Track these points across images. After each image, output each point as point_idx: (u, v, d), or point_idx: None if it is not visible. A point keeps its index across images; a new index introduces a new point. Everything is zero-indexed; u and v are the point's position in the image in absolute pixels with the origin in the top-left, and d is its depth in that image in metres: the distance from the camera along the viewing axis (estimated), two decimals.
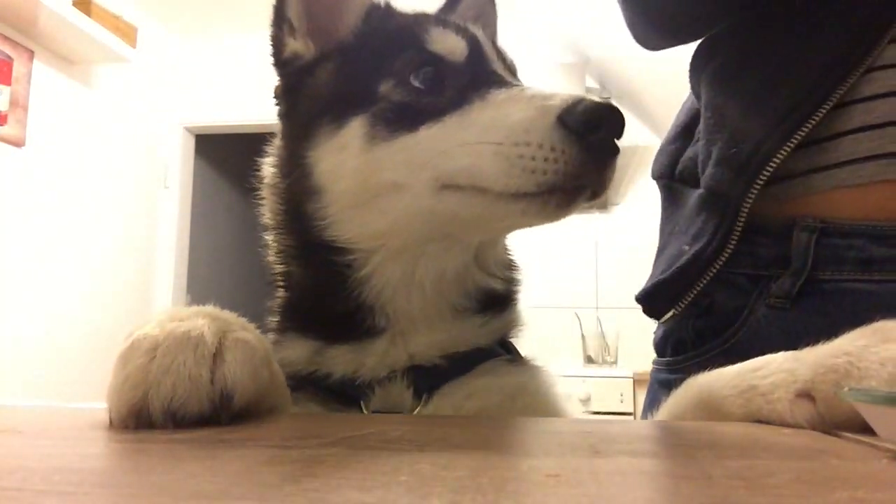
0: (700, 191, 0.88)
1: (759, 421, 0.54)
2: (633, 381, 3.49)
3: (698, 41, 0.94)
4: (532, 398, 0.69)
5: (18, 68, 3.34)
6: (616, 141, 0.61)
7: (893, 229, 0.76)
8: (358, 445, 0.39)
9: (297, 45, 0.74)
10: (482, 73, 0.68)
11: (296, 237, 0.71)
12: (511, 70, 0.74)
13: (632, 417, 3.28)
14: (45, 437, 0.45)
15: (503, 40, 0.83)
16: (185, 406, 0.44)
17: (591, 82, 4.02)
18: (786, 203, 0.81)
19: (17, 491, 0.28)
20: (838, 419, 0.48)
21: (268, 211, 0.75)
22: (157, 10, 4.27)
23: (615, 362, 4.00)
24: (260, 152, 0.77)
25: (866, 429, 0.41)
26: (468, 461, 0.34)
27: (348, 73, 0.71)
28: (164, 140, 4.47)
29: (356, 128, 0.66)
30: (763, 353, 0.56)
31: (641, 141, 4.10)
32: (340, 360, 0.67)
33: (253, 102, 4.39)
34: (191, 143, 4.67)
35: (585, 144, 0.59)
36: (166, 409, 0.44)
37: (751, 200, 0.81)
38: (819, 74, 0.78)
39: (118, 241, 4.06)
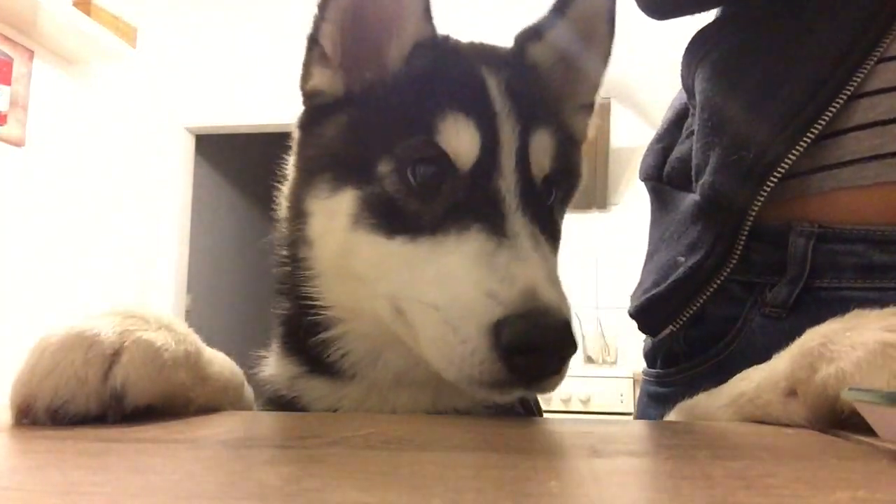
0: (695, 197, 0.83)
1: (758, 421, 0.54)
2: (633, 381, 3.49)
3: (702, 14, 0.87)
4: None
5: (18, 68, 3.34)
6: (558, 361, 0.53)
7: (895, 234, 0.72)
8: (358, 445, 0.39)
9: (322, 78, 0.66)
10: (481, 192, 0.59)
11: (292, 273, 0.69)
12: (531, 184, 0.62)
13: (632, 417, 3.28)
14: (44, 437, 0.45)
15: (502, 43, 0.73)
16: (68, 405, 0.45)
17: None
18: (782, 204, 0.76)
19: (17, 491, 0.28)
20: (823, 407, 0.48)
21: (280, 219, 0.72)
22: (157, 10, 4.27)
23: (615, 362, 3.99)
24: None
25: (867, 429, 0.41)
26: (468, 461, 0.34)
27: (357, 135, 0.64)
28: (164, 140, 4.47)
29: (347, 202, 0.61)
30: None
31: (641, 141, 4.11)
32: (318, 394, 0.66)
33: (253, 102, 4.40)
34: (191, 143, 4.67)
35: (511, 363, 0.50)
36: (48, 408, 0.45)
37: (756, 209, 0.76)
38: (828, 66, 0.73)
39: (118, 241, 4.06)
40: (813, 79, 0.74)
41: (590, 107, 0.77)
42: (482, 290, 0.52)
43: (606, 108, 4.11)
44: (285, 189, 0.72)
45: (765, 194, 0.75)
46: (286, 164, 0.73)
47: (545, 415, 0.79)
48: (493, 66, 0.64)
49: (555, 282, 0.54)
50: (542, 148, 0.63)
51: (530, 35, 0.71)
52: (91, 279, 3.79)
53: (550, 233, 0.62)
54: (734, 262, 0.79)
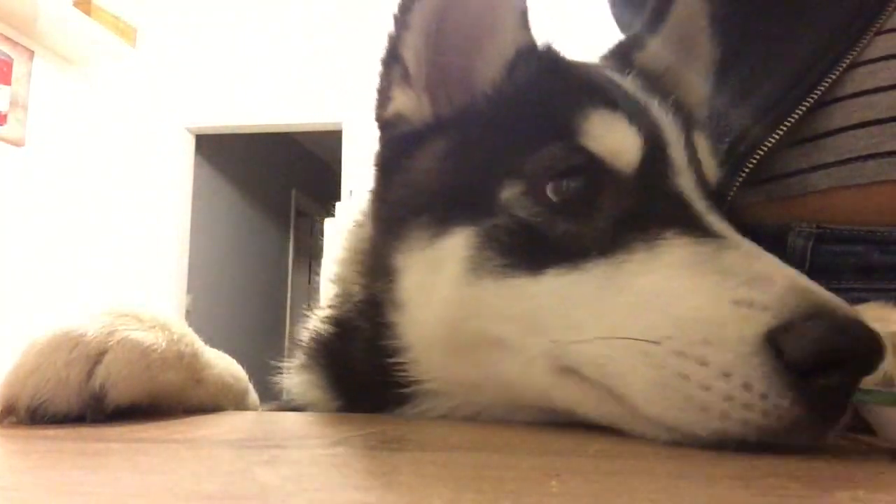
0: None
1: None
2: None
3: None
4: None
5: (18, 68, 3.34)
6: (858, 380, 0.38)
7: (894, 234, 0.72)
8: (358, 445, 0.39)
9: (406, 101, 0.56)
10: (660, 196, 0.47)
11: (368, 329, 0.56)
12: (710, 184, 0.52)
13: None
14: (45, 437, 0.45)
15: None
16: (47, 404, 0.45)
17: None
18: (780, 204, 0.76)
19: (17, 491, 0.28)
20: None
21: (351, 280, 0.60)
22: (157, 10, 4.27)
23: None
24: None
25: (866, 429, 0.41)
26: (468, 461, 0.34)
27: (464, 160, 0.53)
28: (164, 140, 4.47)
29: (459, 245, 0.49)
30: None
31: None
32: None
33: (253, 102, 4.40)
34: (191, 143, 4.67)
35: (808, 390, 0.36)
36: (28, 407, 0.45)
37: (732, 192, 0.73)
38: (805, 64, 0.72)
39: (118, 241, 4.06)
40: (792, 74, 0.73)
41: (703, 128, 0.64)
42: (727, 299, 0.38)
43: None
44: (354, 247, 0.61)
45: (742, 177, 0.73)
46: (331, 219, 0.64)
47: None
48: (612, 70, 0.55)
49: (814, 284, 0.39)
50: (707, 147, 0.53)
51: (631, 44, 0.63)
52: (91, 279, 3.79)
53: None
54: None
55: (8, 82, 3.27)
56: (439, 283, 0.49)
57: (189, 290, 4.62)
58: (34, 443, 0.40)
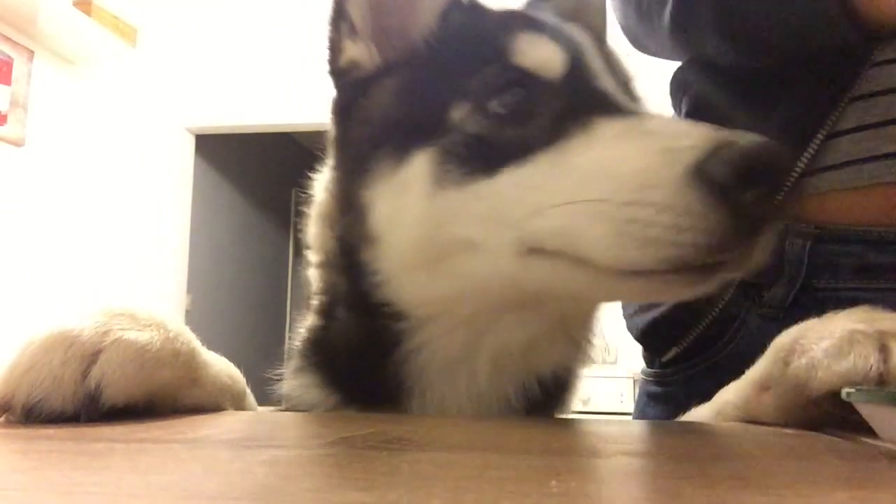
0: None
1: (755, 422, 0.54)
2: (633, 382, 3.49)
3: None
4: None
5: (18, 68, 3.34)
6: (779, 190, 0.44)
7: (892, 235, 0.73)
8: (358, 445, 0.39)
9: (357, 50, 0.62)
10: (586, 94, 0.53)
11: (346, 283, 0.60)
12: (626, 86, 0.59)
13: (631, 417, 3.27)
14: (45, 437, 0.45)
15: None
16: (42, 403, 0.45)
17: None
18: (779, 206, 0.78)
19: (17, 491, 0.28)
20: (794, 399, 0.49)
21: (316, 238, 0.65)
22: (157, 10, 4.27)
23: (615, 362, 3.99)
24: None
25: (867, 429, 0.41)
26: (468, 461, 0.34)
27: (414, 92, 0.58)
28: (164, 140, 4.47)
29: (421, 164, 0.53)
30: None
31: None
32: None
33: (253, 102, 4.40)
34: (191, 143, 4.67)
35: (734, 205, 0.41)
36: (23, 405, 0.45)
37: None
38: (802, 109, 0.76)
39: (118, 241, 4.06)
40: (790, 123, 0.76)
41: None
42: (655, 151, 0.44)
43: None
44: (320, 200, 0.65)
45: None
46: (316, 180, 0.67)
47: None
48: (531, 8, 0.63)
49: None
50: (619, 59, 0.61)
51: (533, 5, 0.70)
52: (91, 279, 3.79)
53: None
54: (732, 289, 0.79)
55: (8, 82, 3.27)
56: (408, 203, 0.54)
57: (189, 290, 4.62)
58: (34, 443, 0.40)
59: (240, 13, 4.41)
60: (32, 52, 3.43)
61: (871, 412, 0.40)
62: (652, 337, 0.89)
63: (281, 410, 0.68)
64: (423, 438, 0.42)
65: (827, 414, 0.47)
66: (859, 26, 0.70)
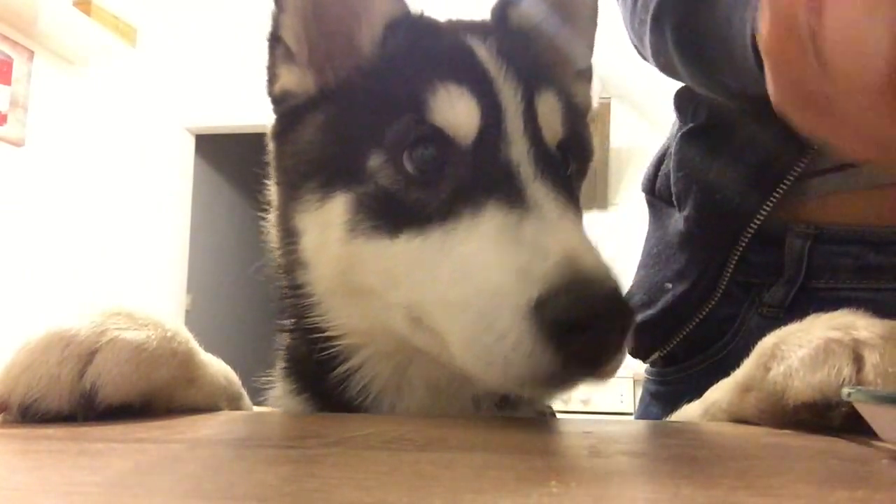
0: (680, 225, 0.85)
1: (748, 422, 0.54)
2: (633, 381, 3.49)
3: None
4: None
5: (18, 68, 3.34)
6: (621, 335, 0.44)
7: (890, 236, 0.74)
8: (358, 445, 0.39)
9: (291, 77, 0.60)
10: (492, 165, 0.52)
11: (291, 300, 0.63)
12: (546, 150, 0.55)
13: (632, 417, 3.28)
14: (45, 437, 0.45)
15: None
16: (39, 402, 0.46)
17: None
18: (779, 208, 0.77)
19: (17, 491, 0.28)
20: (772, 403, 0.49)
21: (273, 243, 0.66)
22: (157, 10, 4.27)
23: None
24: (260, 153, 0.70)
25: (867, 429, 0.41)
26: (468, 461, 0.34)
27: (338, 132, 0.58)
28: (164, 140, 4.47)
29: (339, 208, 0.55)
30: None
31: (641, 141, 4.11)
32: None
33: (253, 103, 4.39)
34: (191, 144, 4.67)
35: (565, 345, 0.42)
36: (20, 405, 0.46)
37: (740, 250, 0.79)
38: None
39: (118, 240, 4.06)
40: (785, 133, 0.75)
41: (587, 73, 0.70)
42: (511, 270, 0.45)
43: (606, 108, 4.11)
44: (271, 212, 0.65)
45: (748, 236, 0.78)
46: (268, 186, 0.66)
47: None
48: (478, 35, 0.58)
49: (592, 248, 0.46)
50: (551, 109, 0.57)
51: (506, 2, 0.65)
52: (91, 279, 3.79)
53: (574, 207, 0.54)
54: (719, 294, 0.81)
55: (8, 82, 3.27)
56: (328, 241, 0.56)
57: (189, 290, 4.62)
58: (34, 443, 0.40)
59: (240, 13, 4.41)
60: (32, 52, 3.43)
61: (871, 412, 0.40)
62: (638, 339, 0.89)
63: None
64: (423, 438, 0.42)
65: (805, 420, 0.48)
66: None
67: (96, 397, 0.47)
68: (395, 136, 0.53)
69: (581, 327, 0.42)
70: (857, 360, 0.45)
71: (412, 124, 0.53)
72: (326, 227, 0.56)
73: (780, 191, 0.76)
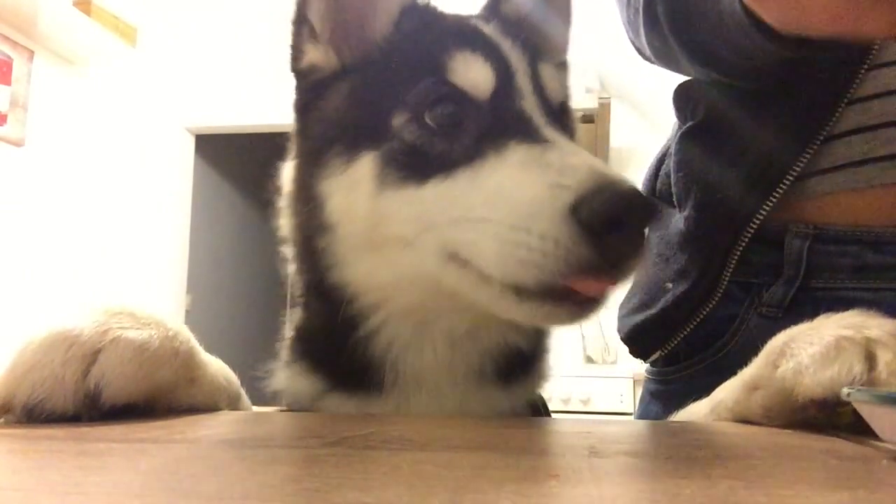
0: (680, 225, 0.86)
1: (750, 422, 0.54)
2: (633, 381, 3.49)
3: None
4: None
5: (18, 68, 3.34)
6: (642, 234, 0.50)
7: (889, 236, 0.74)
8: (358, 445, 0.39)
9: (316, 54, 0.66)
10: (508, 115, 0.58)
11: (308, 269, 0.66)
12: (551, 107, 0.62)
13: (632, 417, 3.27)
14: (45, 437, 0.45)
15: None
16: (45, 403, 0.46)
17: (592, 82, 4.02)
18: (779, 207, 0.78)
19: (17, 491, 0.28)
20: (780, 400, 0.50)
21: (286, 227, 0.70)
22: (157, 10, 4.27)
23: (615, 362, 3.99)
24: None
25: (867, 429, 0.41)
26: (468, 461, 0.34)
27: (364, 97, 0.63)
28: (164, 140, 4.47)
29: (367, 165, 0.59)
30: None
31: (641, 141, 4.11)
32: (340, 411, 0.63)
33: (253, 103, 4.40)
34: (191, 144, 4.67)
35: (600, 244, 0.48)
36: (25, 405, 0.46)
37: (739, 252, 0.79)
38: (799, 119, 0.76)
39: (118, 241, 4.06)
40: (787, 129, 0.77)
41: (565, 66, 0.76)
42: (544, 185, 0.50)
43: (606, 108, 4.11)
44: (286, 192, 0.69)
45: (749, 236, 0.78)
46: (281, 172, 0.71)
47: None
48: (480, 18, 0.67)
49: (609, 167, 0.51)
50: (552, 75, 0.64)
51: (495, 1, 0.72)
52: (91, 279, 3.79)
53: None
54: (719, 294, 0.81)
55: (8, 82, 3.27)
56: (357, 199, 0.59)
57: (189, 290, 4.61)
58: (34, 443, 0.40)
59: (240, 13, 4.41)
60: (32, 52, 3.43)
61: (871, 412, 0.40)
62: (638, 339, 0.91)
63: (281, 410, 0.68)
64: (423, 438, 0.42)
65: (813, 418, 0.48)
66: (766, 29, 0.65)
67: (100, 397, 0.47)
68: (418, 96, 0.58)
69: (612, 223, 0.48)
70: (869, 358, 0.46)
71: (433, 85, 0.59)
72: (354, 186, 0.59)
73: (780, 190, 0.76)
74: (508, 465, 0.34)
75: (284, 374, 0.68)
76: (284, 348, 0.69)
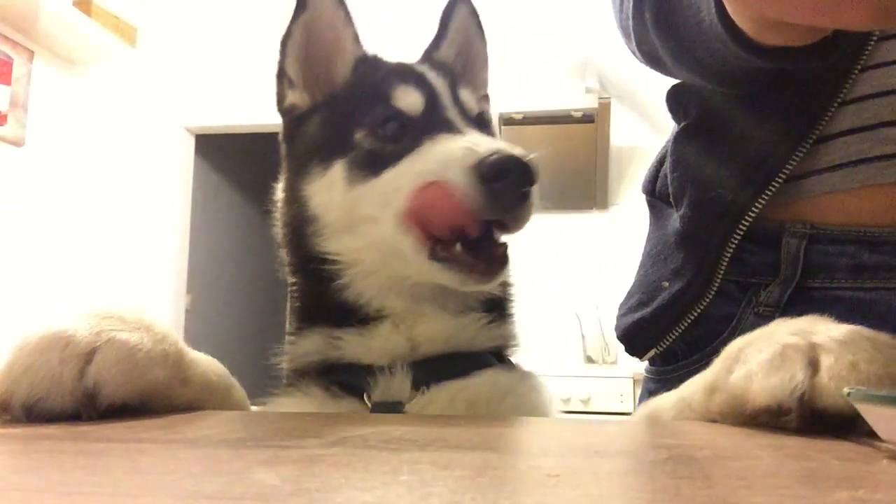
0: (676, 224, 0.87)
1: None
2: (633, 381, 3.49)
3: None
4: (520, 399, 0.73)
5: (18, 68, 3.34)
6: (525, 190, 0.67)
7: (885, 235, 0.74)
8: (358, 445, 0.39)
9: (294, 97, 0.85)
10: (437, 120, 0.76)
11: (298, 254, 0.81)
12: (469, 116, 0.81)
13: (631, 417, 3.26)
14: (45, 437, 0.45)
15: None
16: (43, 402, 0.47)
17: (592, 82, 4.03)
18: (776, 207, 0.79)
19: (17, 491, 0.28)
20: (734, 405, 0.51)
21: (279, 231, 0.85)
22: (157, 10, 4.27)
23: (615, 362, 3.99)
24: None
25: (867, 429, 0.41)
26: (468, 461, 0.34)
27: (333, 123, 0.81)
28: (164, 140, 4.47)
29: (338, 170, 0.76)
30: None
31: (641, 141, 4.11)
32: (347, 343, 0.74)
33: (253, 103, 4.39)
34: (191, 144, 4.67)
35: (491, 189, 0.65)
36: (24, 404, 0.47)
37: (732, 248, 0.80)
38: (792, 117, 0.77)
39: (118, 241, 4.06)
40: (779, 128, 0.78)
41: (487, 98, 0.94)
42: (459, 148, 0.68)
43: (606, 108, 4.11)
44: (279, 200, 0.86)
45: (741, 233, 0.79)
46: (276, 187, 0.87)
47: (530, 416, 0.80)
48: (417, 63, 0.86)
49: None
50: (469, 97, 0.83)
51: (431, 48, 0.90)
52: (91, 279, 3.79)
53: None
54: (714, 290, 0.83)
55: (8, 82, 3.27)
56: (334, 195, 0.76)
57: (189, 290, 4.62)
58: (34, 443, 0.40)
59: (240, 13, 4.41)
60: (32, 52, 3.43)
61: (871, 412, 0.40)
62: (633, 337, 0.93)
63: (278, 392, 0.75)
64: (423, 438, 0.42)
65: (765, 423, 0.48)
66: (744, 41, 0.66)
67: (98, 396, 0.48)
68: (372, 117, 0.77)
69: (502, 175, 0.64)
70: (813, 364, 0.46)
71: (382, 110, 0.77)
72: (331, 185, 0.77)
73: (772, 189, 0.77)
74: (508, 465, 0.34)
75: (290, 338, 0.79)
76: (296, 320, 0.81)
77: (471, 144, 0.68)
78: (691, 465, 0.35)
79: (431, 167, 0.69)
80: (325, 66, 0.84)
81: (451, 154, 0.69)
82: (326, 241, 0.77)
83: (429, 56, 0.90)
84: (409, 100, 0.78)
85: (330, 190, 0.77)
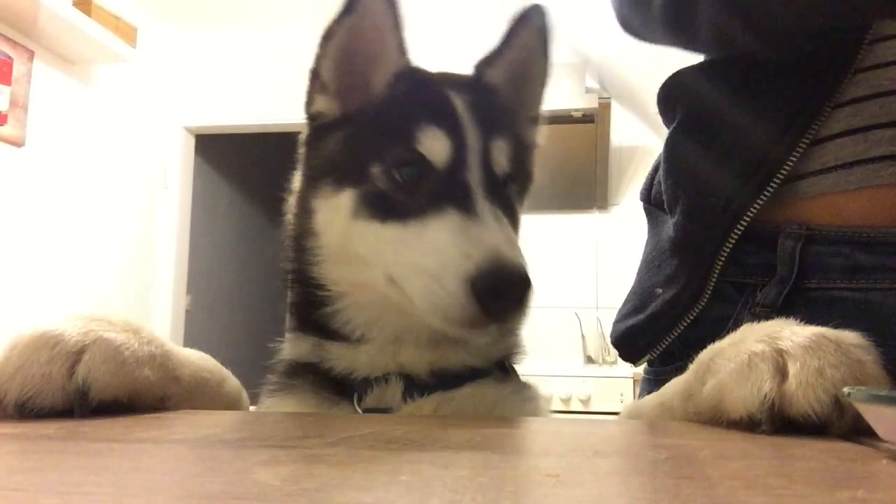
0: (671, 230, 0.87)
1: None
2: (633, 382, 3.49)
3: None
4: (508, 412, 0.73)
5: (18, 68, 3.34)
6: (521, 301, 0.65)
7: (880, 236, 0.75)
8: (358, 445, 0.39)
9: (323, 103, 0.79)
10: (454, 184, 0.71)
11: (297, 258, 0.80)
12: (493, 178, 0.74)
13: None
14: (45, 437, 0.45)
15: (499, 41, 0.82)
16: (34, 400, 0.49)
17: (592, 82, 4.03)
18: (771, 209, 0.79)
19: (17, 491, 0.28)
20: (708, 414, 0.52)
21: (289, 220, 0.83)
22: (157, 10, 4.27)
23: (615, 362, 3.99)
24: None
25: (868, 429, 0.41)
26: (468, 461, 0.34)
27: (353, 146, 0.77)
28: (164, 140, 4.47)
29: (347, 198, 0.74)
30: None
31: (641, 141, 4.11)
32: (336, 355, 0.74)
33: (253, 103, 4.40)
34: (191, 143, 4.67)
35: (484, 306, 0.63)
36: (16, 402, 0.49)
37: (725, 254, 0.81)
38: (787, 117, 0.77)
39: (118, 241, 4.06)
40: (774, 131, 0.78)
41: (536, 118, 0.88)
42: (458, 252, 0.65)
43: (606, 108, 4.11)
44: (293, 194, 0.84)
45: (733, 241, 0.80)
46: (293, 176, 0.85)
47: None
48: (457, 89, 0.77)
49: (513, 244, 0.67)
50: (500, 151, 0.76)
51: (485, 62, 0.83)
52: (90, 279, 3.79)
53: (511, 216, 0.74)
54: (706, 297, 0.83)
55: (8, 82, 3.27)
56: (337, 219, 0.75)
57: (189, 290, 4.61)
58: (34, 443, 0.40)
59: (239, 13, 4.41)
60: (32, 52, 3.43)
61: (871, 412, 0.40)
62: (627, 343, 0.94)
63: (272, 387, 0.76)
64: (423, 438, 0.42)
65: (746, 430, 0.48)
66: (750, 25, 0.68)
67: (88, 393, 0.50)
68: (392, 155, 0.72)
69: (495, 295, 0.63)
70: (781, 371, 0.47)
71: (404, 150, 0.72)
72: (336, 209, 0.74)
73: (769, 191, 0.77)
74: (508, 465, 0.34)
75: (290, 338, 0.80)
76: (290, 321, 0.82)
77: (469, 246, 0.65)
78: (691, 465, 0.35)
79: (426, 263, 0.66)
80: (363, 76, 0.78)
81: (448, 255, 0.65)
82: (322, 264, 0.76)
83: (480, 74, 0.83)
84: (434, 147, 0.72)
85: (335, 213, 0.75)
